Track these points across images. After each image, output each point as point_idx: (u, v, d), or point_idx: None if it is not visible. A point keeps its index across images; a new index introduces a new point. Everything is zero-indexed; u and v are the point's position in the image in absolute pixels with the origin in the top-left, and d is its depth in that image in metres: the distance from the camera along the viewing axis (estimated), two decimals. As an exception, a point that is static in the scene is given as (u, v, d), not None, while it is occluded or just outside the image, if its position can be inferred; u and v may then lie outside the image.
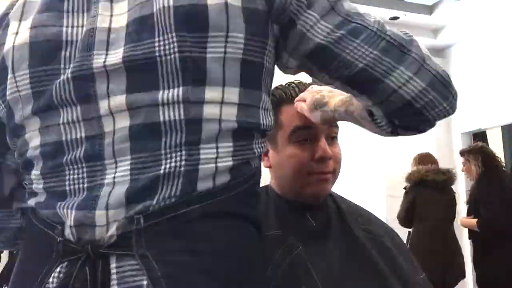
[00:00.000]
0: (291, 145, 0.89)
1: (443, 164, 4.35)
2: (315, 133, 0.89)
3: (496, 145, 4.51)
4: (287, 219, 0.91)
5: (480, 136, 4.29)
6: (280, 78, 1.05)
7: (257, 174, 0.66)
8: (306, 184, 0.89)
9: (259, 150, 0.64)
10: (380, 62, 0.62)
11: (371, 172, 5.18)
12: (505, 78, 3.92)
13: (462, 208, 4.24)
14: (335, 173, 0.91)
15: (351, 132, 5.49)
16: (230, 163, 0.60)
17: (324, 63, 0.64)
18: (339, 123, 0.94)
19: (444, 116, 0.67)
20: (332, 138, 0.91)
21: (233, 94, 0.60)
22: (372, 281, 0.85)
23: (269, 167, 0.96)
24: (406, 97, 0.63)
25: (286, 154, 0.89)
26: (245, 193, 0.62)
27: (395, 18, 3.98)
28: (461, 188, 4.25)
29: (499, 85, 3.97)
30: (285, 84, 0.96)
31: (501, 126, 4.25)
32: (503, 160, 4.58)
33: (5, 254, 2.78)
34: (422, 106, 0.64)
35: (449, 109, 0.66)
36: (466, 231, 4.17)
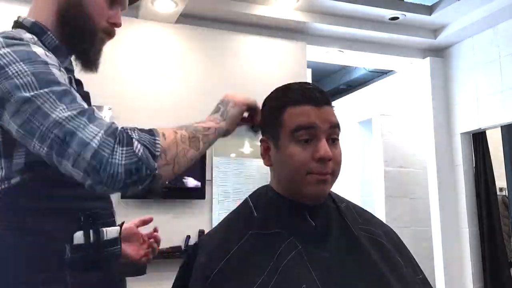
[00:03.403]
0: (292, 144, 0.89)
1: (442, 164, 4.36)
2: (316, 133, 0.89)
3: (496, 145, 4.51)
4: (287, 219, 0.91)
5: (480, 136, 4.29)
6: (278, 79, 1.05)
7: None
8: (305, 183, 0.89)
9: None
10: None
11: (371, 172, 5.19)
12: (505, 78, 3.92)
13: (462, 208, 4.24)
14: (334, 174, 0.91)
15: (351, 132, 5.48)
16: None
17: None
18: (341, 125, 0.94)
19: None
20: (333, 140, 0.92)
21: None
22: (372, 281, 0.85)
23: (270, 165, 0.96)
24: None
25: (287, 153, 0.90)
26: None
27: (395, 18, 3.99)
28: (461, 187, 4.25)
29: (499, 85, 3.97)
30: (287, 86, 0.97)
31: (501, 126, 4.24)
32: (503, 160, 4.59)
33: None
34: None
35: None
36: (466, 232, 4.18)
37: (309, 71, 4.44)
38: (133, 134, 0.79)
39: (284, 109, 0.92)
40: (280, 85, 1.00)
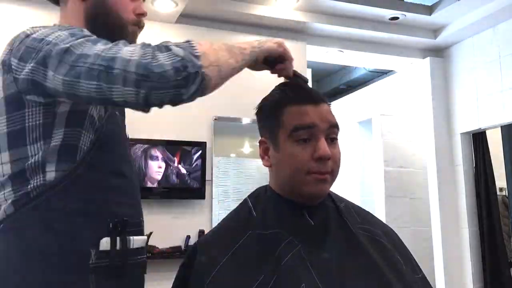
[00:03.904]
0: (291, 144, 0.89)
1: (442, 164, 4.36)
2: (315, 133, 0.89)
3: (496, 145, 4.51)
4: (286, 219, 0.91)
5: (480, 136, 4.29)
6: (278, 79, 1.05)
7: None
8: (304, 183, 0.89)
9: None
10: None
11: (371, 172, 5.19)
12: (505, 78, 3.92)
13: (462, 208, 4.24)
14: (333, 173, 0.91)
15: (351, 132, 5.49)
16: None
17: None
18: (340, 125, 0.94)
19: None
20: (332, 139, 0.92)
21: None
22: (371, 280, 0.85)
23: (269, 166, 0.96)
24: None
25: (286, 153, 0.90)
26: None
27: (395, 18, 3.99)
28: (461, 187, 4.25)
29: (499, 85, 3.97)
30: (285, 85, 0.97)
31: (501, 126, 4.24)
32: (503, 160, 4.59)
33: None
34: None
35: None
36: (466, 232, 4.18)
37: (309, 71, 4.44)
38: (169, 43, 0.81)
39: (282, 109, 0.92)
40: (280, 84, 0.99)
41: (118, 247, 0.88)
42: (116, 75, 0.76)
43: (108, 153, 0.94)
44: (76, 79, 0.78)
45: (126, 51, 0.78)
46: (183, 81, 0.77)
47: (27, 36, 0.87)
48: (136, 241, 0.94)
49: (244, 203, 0.98)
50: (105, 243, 0.87)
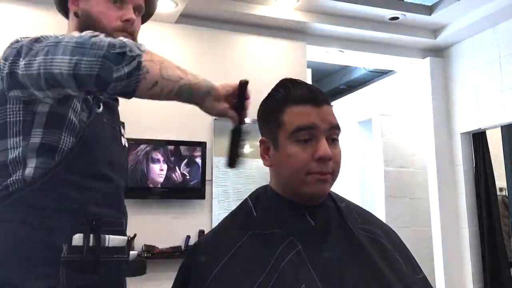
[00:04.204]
0: (292, 144, 0.89)
1: (442, 164, 4.36)
2: (316, 134, 0.89)
3: (496, 145, 4.51)
4: (286, 219, 0.91)
5: (480, 136, 4.29)
6: (278, 79, 1.05)
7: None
8: (305, 183, 0.89)
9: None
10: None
11: (371, 172, 5.18)
12: (505, 78, 3.92)
13: (462, 208, 4.24)
14: (334, 174, 0.91)
15: (351, 132, 5.49)
16: None
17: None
18: (340, 125, 0.94)
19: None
20: (333, 140, 0.91)
21: None
22: (372, 280, 0.85)
23: (270, 165, 0.96)
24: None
25: (287, 153, 0.90)
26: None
27: (395, 18, 3.99)
28: (461, 187, 4.25)
29: (499, 85, 3.97)
30: (287, 84, 0.96)
31: (501, 126, 4.24)
32: (503, 160, 4.59)
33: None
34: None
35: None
36: (466, 232, 4.18)
37: (309, 71, 4.44)
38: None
39: (284, 109, 0.91)
40: (281, 83, 0.99)
41: (91, 243, 0.92)
42: (59, 47, 0.83)
43: (90, 156, 0.97)
44: (33, 59, 0.84)
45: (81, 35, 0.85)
46: (115, 56, 0.81)
47: (17, 41, 0.93)
48: (113, 240, 0.97)
49: (244, 203, 0.98)
50: (77, 239, 0.91)
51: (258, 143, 0.99)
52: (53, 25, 3.51)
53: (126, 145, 1.15)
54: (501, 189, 4.63)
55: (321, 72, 6.15)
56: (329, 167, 0.89)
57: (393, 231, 1.01)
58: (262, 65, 3.96)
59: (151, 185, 3.43)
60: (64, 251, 0.89)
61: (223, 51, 3.91)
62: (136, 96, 0.86)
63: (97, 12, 1.06)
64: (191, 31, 3.82)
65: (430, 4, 4.02)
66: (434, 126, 4.37)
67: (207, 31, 3.86)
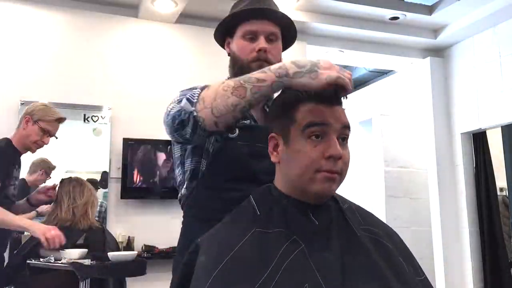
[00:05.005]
0: (302, 140, 0.89)
1: (442, 164, 4.36)
2: (328, 131, 0.89)
3: (496, 145, 4.51)
4: (290, 218, 0.90)
5: (480, 136, 4.28)
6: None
7: None
8: (313, 181, 0.88)
9: None
10: None
11: (371, 172, 5.18)
12: (505, 78, 3.92)
13: (462, 208, 4.24)
14: (342, 174, 0.91)
15: (351, 132, 5.47)
16: None
17: None
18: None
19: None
20: (343, 139, 0.91)
21: None
22: (373, 281, 0.85)
23: (278, 162, 0.95)
24: None
25: (297, 149, 0.90)
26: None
27: (395, 18, 3.99)
28: (461, 187, 4.25)
29: (499, 85, 3.97)
30: None
31: (501, 126, 4.24)
32: (503, 160, 4.59)
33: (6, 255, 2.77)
34: None
35: None
36: (466, 232, 4.18)
37: (309, 71, 4.43)
38: (192, 91, 1.08)
39: (297, 105, 0.91)
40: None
41: None
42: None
43: (218, 174, 1.20)
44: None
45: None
46: (179, 125, 1.06)
47: None
48: None
49: (247, 201, 0.98)
50: None
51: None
52: (53, 24, 3.52)
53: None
54: (501, 189, 4.63)
55: (321, 72, 6.14)
56: (338, 166, 0.89)
57: (396, 233, 1.01)
58: (262, 65, 3.96)
59: (151, 185, 3.43)
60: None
61: (223, 51, 3.90)
62: (222, 130, 1.05)
63: (237, 49, 1.27)
64: (191, 31, 3.82)
65: (430, 4, 4.02)
66: (434, 126, 4.37)
67: (207, 31, 3.85)
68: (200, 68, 3.79)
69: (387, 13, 3.90)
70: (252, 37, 1.25)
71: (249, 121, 1.22)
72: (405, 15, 3.95)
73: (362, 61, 4.74)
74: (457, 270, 4.20)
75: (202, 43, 3.83)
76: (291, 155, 0.90)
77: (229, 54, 1.33)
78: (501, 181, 4.53)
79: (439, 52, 4.55)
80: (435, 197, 4.32)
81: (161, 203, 3.48)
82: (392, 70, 5.21)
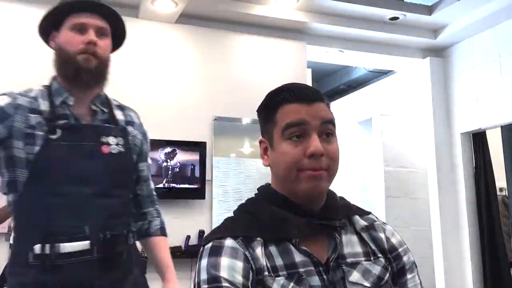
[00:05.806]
0: (284, 142, 0.90)
1: (442, 164, 4.36)
2: (307, 130, 0.89)
3: (495, 145, 4.51)
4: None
5: (480, 136, 4.29)
6: (278, 79, 1.05)
7: None
8: (298, 180, 0.89)
9: None
10: None
11: (371, 172, 5.19)
12: (505, 78, 3.93)
13: (462, 208, 4.24)
14: (329, 170, 0.90)
15: (351, 132, 5.47)
16: None
17: None
18: (340, 125, 0.94)
19: None
20: (327, 135, 0.91)
21: None
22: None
23: (268, 165, 0.96)
24: None
25: (280, 151, 0.90)
26: None
27: (395, 18, 3.99)
28: (461, 187, 4.25)
29: (499, 85, 3.97)
30: (281, 87, 0.97)
31: (501, 126, 4.25)
32: (503, 160, 4.59)
33: (5, 256, 2.77)
34: None
35: None
36: (466, 232, 4.18)
37: (309, 71, 4.44)
38: None
39: (277, 108, 0.93)
40: (280, 85, 1.00)
41: (47, 251, 1.17)
42: None
43: (43, 181, 1.19)
44: None
45: None
46: None
47: None
48: (67, 247, 1.19)
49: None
50: (37, 249, 1.18)
51: (258, 143, 0.99)
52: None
53: (113, 151, 1.29)
54: (501, 189, 4.64)
55: (321, 72, 6.15)
56: (322, 163, 0.88)
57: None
58: (262, 65, 3.96)
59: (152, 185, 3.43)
60: (30, 258, 1.18)
61: (223, 51, 3.91)
62: None
63: (64, 41, 1.25)
64: (191, 31, 3.82)
65: (430, 4, 4.03)
66: (434, 126, 4.37)
67: (207, 31, 3.86)
68: (200, 69, 3.80)
69: (387, 13, 3.90)
70: (81, 29, 1.24)
71: (69, 120, 1.23)
72: (405, 15, 3.95)
73: (362, 61, 4.74)
74: (457, 270, 4.20)
75: (202, 43, 3.84)
76: (277, 158, 0.91)
77: (53, 49, 1.29)
78: (500, 181, 4.54)
79: (439, 52, 4.55)
80: (435, 197, 4.33)
81: (161, 203, 3.47)
82: (392, 70, 5.21)
